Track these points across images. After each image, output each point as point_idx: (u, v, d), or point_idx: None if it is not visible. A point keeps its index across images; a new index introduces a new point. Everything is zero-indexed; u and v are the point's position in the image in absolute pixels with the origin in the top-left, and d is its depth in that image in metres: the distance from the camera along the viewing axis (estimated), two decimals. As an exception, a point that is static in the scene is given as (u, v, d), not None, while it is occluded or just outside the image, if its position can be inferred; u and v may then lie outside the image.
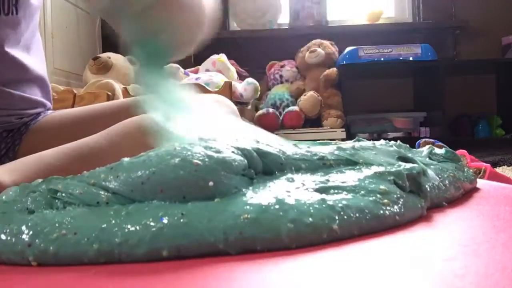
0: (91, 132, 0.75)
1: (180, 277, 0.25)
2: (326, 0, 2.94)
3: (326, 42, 2.63)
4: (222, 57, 2.24)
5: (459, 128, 2.89)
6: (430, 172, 0.39)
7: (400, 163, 0.38)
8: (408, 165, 0.37)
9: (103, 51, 2.59)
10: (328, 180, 0.34)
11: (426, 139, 1.26)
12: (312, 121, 2.48)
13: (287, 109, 2.43)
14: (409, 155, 0.41)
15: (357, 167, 0.37)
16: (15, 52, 0.83)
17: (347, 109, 2.45)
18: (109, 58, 2.19)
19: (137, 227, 0.29)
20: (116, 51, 2.34)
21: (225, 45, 2.78)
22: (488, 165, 0.94)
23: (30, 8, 0.83)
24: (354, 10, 3.11)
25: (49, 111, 0.96)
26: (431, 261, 0.25)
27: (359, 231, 0.30)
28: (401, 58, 2.50)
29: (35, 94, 0.91)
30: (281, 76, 2.64)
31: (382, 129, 2.68)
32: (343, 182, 0.34)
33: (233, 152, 0.34)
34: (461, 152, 1.04)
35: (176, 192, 0.31)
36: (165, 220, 0.29)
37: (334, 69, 2.51)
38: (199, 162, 0.32)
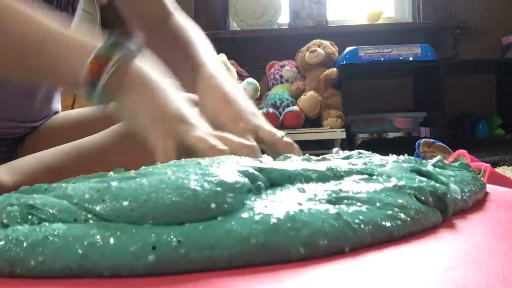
0: (93, 133, 0.74)
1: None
2: (326, 0, 2.93)
3: (326, 42, 2.63)
4: (222, 57, 2.24)
5: (459, 128, 2.89)
6: (453, 186, 0.37)
7: (421, 178, 0.36)
8: (432, 182, 0.35)
9: (103, 51, 2.59)
10: (341, 190, 0.32)
11: (426, 139, 1.25)
12: (312, 121, 2.48)
13: (287, 109, 2.43)
14: (424, 168, 0.38)
15: (374, 177, 0.36)
16: None
17: (347, 109, 2.45)
18: (109, 58, 2.19)
19: (125, 258, 0.26)
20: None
21: (225, 45, 2.78)
22: (488, 165, 0.94)
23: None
24: (354, 10, 3.10)
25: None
26: (432, 271, 0.25)
27: (369, 246, 0.29)
28: (401, 58, 2.50)
29: (55, 101, 0.90)
30: (281, 76, 2.64)
31: (382, 129, 2.68)
32: (357, 193, 0.32)
33: (232, 175, 0.32)
34: (461, 152, 1.04)
35: (171, 219, 0.28)
36: (158, 250, 0.26)
37: (334, 69, 2.51)
38: (197, 187, 0.29)
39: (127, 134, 0.69)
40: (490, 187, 0.47)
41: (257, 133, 0.56)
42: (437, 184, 0.35)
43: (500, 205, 0.40)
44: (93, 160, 0.67)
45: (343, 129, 2.38)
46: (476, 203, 0.41)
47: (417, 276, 0.24)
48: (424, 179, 0.36)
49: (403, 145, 1.58)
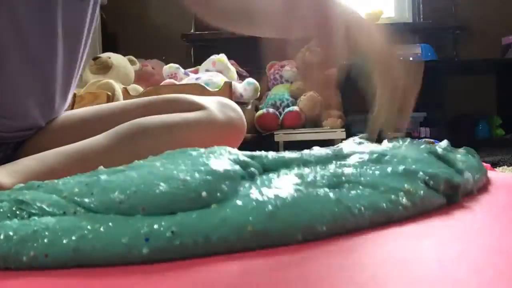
0: (95, 133, 0.74)
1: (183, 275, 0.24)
2: (326, 0, 2.93)
3: (326, 42, 2.63)
4: (222, 57, 2.24)
5: (459, 128, 2.89)
6: (467, 174, 0.36)
7: (440, 163, 0.35)
8: (449, 170, 0.34)
9: (103, 51, 2.59)
10: (343, 173, 0.31)
11: (426, 139, 1.26)
12: (312, 121, 2.47)
13: (287, 109, 2.43)
14: (442, 152, 0.37)
15: (386, 158, 0.34)
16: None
17: (347, 109, 2.45)
18: (109, 58, 2.19)
19: (117, 250, 0.26)
20: (116, 51, 2.34)
21: (225, 45, 2.78)
22: (488, 165, 0.94)
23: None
24: (354, 10, 3.11)
25: None
26: (430, 245, 0.25)
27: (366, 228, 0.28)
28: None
29: (65, 105, 0.89)
30: (281, 76, 2.64)
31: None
32: (360, 176, 0.31)
33: (223, 163, 0.31)
34: (461, 151, 1.04)
35: (161, 210, 0.27)
36: (151, 242, 0.25)
37: (334, 69, 2.51)
38: (187, 177, 0.29)
39: (129, 136, 0.69)
40: (491, 173, 0.47)
41: None
42: (454, 173, 0.34)
43: (498, 188, 0.41)
44: (95, 161, 0.67)
45: (343, 129, 2.38)
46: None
47: (415, 250, 0.24)
48: (443, 164, 0.35)
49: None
